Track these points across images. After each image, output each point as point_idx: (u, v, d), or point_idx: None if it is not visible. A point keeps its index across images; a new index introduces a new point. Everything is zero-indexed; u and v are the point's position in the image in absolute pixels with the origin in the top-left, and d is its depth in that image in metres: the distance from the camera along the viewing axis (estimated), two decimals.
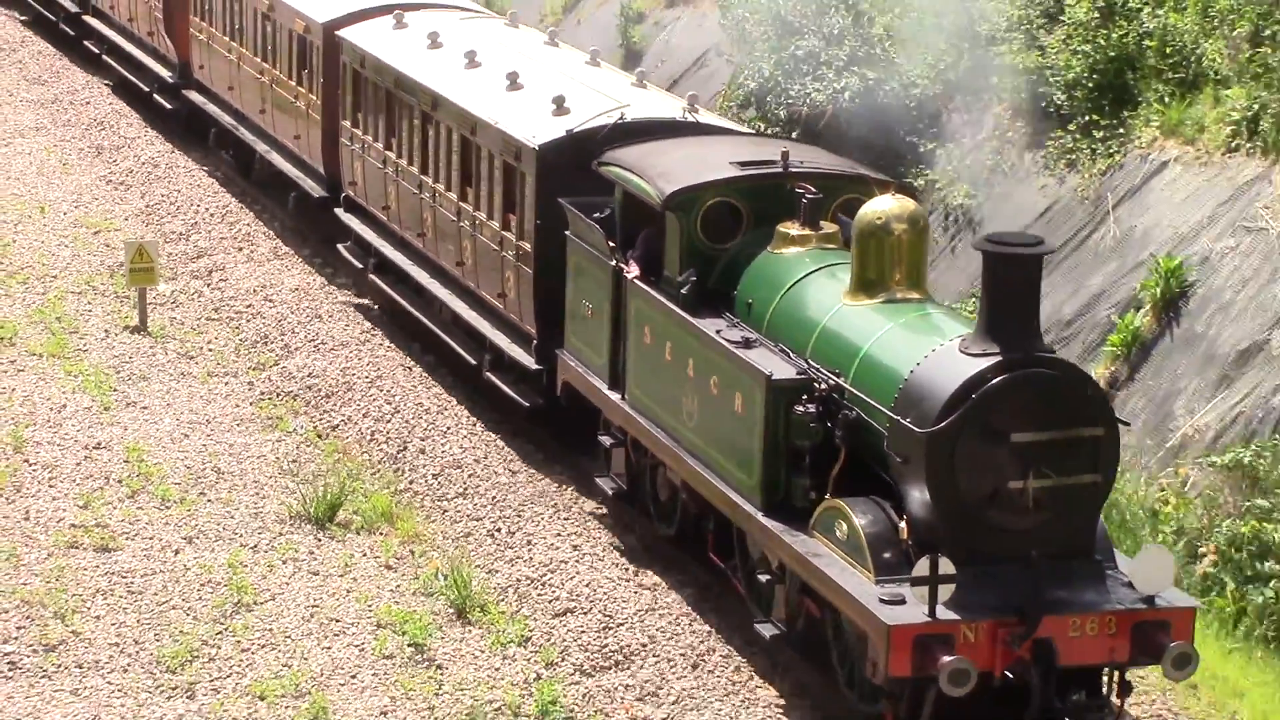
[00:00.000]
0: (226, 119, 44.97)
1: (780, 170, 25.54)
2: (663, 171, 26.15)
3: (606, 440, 28.02)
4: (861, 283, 23.03)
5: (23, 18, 61.11)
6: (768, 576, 22.96)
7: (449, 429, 32.63)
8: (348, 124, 37.52)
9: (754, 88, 39.21)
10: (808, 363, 22.85)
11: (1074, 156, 33.88)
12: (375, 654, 25.24)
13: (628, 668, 25.15)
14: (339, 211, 38.10)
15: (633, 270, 26.31)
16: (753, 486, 23.01)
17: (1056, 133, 34.30)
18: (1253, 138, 31.05)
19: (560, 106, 30.15)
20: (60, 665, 24.56)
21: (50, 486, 29.83)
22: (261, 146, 42.86)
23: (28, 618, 25.64)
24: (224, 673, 24.64)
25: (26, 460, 30.67)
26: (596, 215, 27.51)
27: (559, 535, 28.74)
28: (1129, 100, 33.53)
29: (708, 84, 43.12)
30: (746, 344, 23.54)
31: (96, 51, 55.08)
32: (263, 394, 34.29)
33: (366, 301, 37.19)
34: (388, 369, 35.22)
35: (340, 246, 38.21)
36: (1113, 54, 33.53)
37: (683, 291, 24.88)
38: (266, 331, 37.00)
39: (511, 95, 31.66)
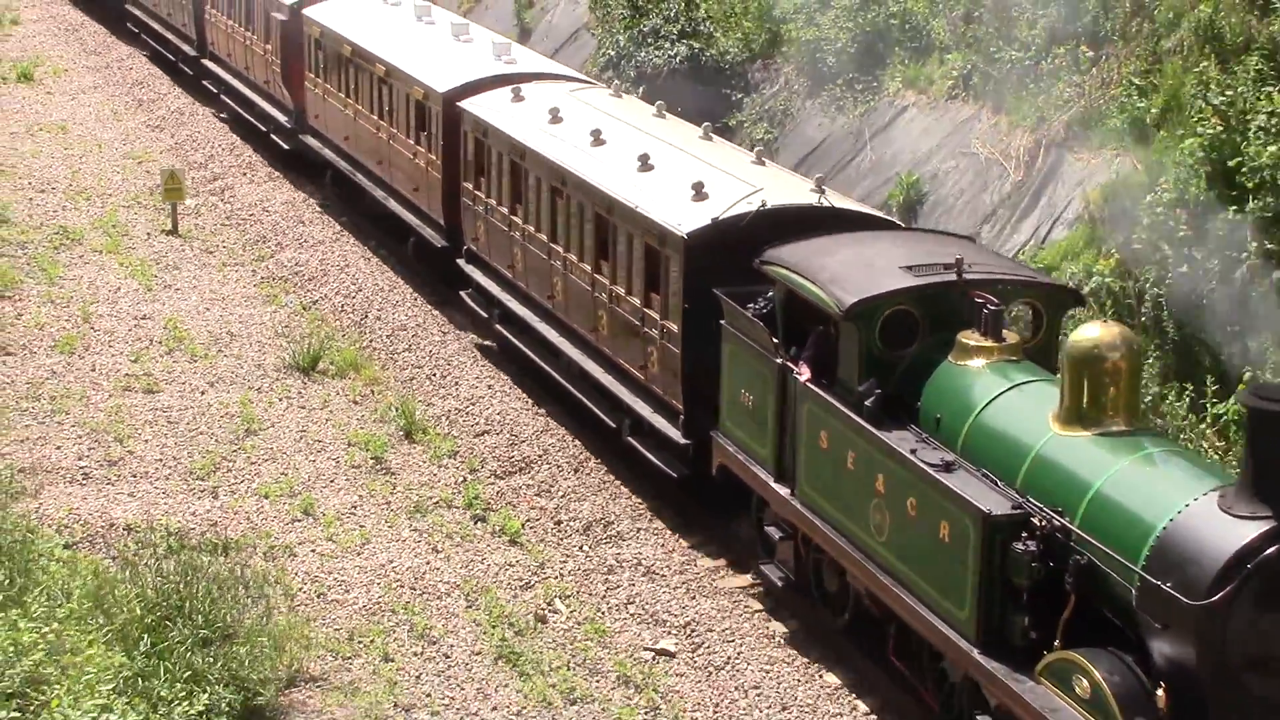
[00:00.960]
0: (343, 164, 39.14)
1: (955, 278, 20.22)
2: (834, 277, 20.80)
3: (774, 533, 22.37)
4: (1074, 412, 17.89)
5: (144, 53, 55.96)
6: (986, 718, 17.71)
7: (397, 303, 33.41)
8: (469, 185, 31.91)
9: (613, 55, 38.31)
10: (1022, 496, 17.67)
11: (841, 103, 33.89)
12: (347, 464, 26.21)
13: (529, 472, 26.30)
14: (461, 263, 32.50)
15: (804, 373, 21.02)
16: (965, 620, 17.82)
17: (829, 86, 34.36)
18: (966, 90, 31.45)
19: (699, 192, 24.95)
20: (120, 475, 25.44)
21: (110, 346, 30.50)
22: (379, 193, 37.01)
23: (95, 441, 26.49)
24: (238, 479, 25.63)
25: (92, 328, 31.28)
26: (753, 308, 22.49)
27: (478, 378, 29.81)
28: (880, 61, 33.59)
29: (579, 53, 42.07)
30: (946, 467, 18.29)
31: (214, 91, 48.40)
32: (263, 278, 34.89)
33: (489, 343, 32.33)
34: (353, 260, 35.69)
35: (463, 294, 32.48)
36: (869, 30, 33.64)
37: (867, 404, 19.66)
38: (264, 233, 37.42)
39: (645, 177, 26.53)
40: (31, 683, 14.65)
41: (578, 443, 27.38)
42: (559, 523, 24.88)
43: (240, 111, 45.79)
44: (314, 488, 25.47)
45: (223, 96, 47.54)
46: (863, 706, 20.74)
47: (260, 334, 31.60)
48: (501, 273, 30.86)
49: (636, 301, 25.61)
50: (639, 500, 25.61)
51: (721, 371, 23.23)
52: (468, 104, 32.06)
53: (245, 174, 41.38)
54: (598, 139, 28.43)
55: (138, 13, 57.06)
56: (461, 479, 26.01)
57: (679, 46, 36.73)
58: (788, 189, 25.66)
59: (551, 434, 27.67)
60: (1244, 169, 24.91)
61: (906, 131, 32.38)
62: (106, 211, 38.08)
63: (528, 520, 24.85)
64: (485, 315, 31.67)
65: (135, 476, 25.55)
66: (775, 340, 21.84)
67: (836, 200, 25.41)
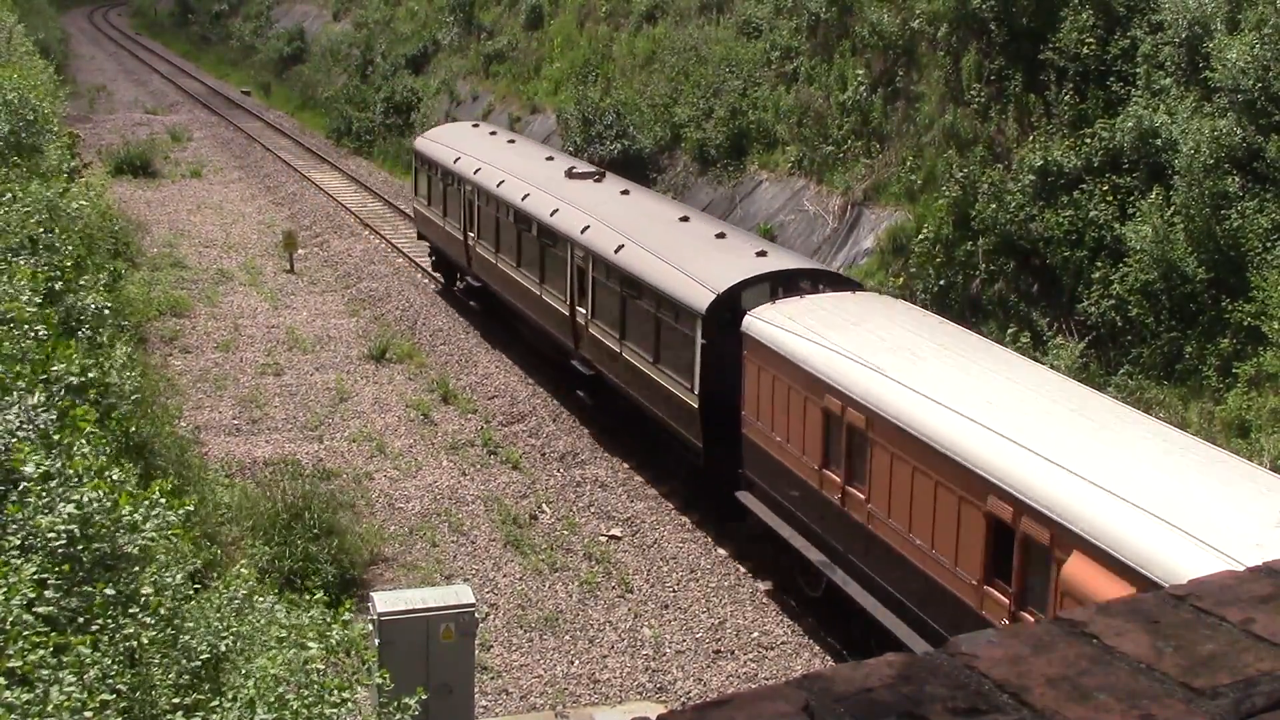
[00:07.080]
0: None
1: None
2: None
3: None
4: None
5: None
6: None
7: (436, 314, 32.78)
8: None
9: (572, 149, 36.95)
10: None
11: (720, 179, 33.64)
12: (405, 419, 25.99)
13: (523, 422, 26.09)
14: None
15: None
16: None
17: (712, 168, 34.09)
18: (800, 169, 31.31)
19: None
20: (259, 430, 25.35)
21: (252, 345, 30.27)
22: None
23: (243, 407, 26.41)
24: (336, 431, 25.47)
25: (240, 334, 31.05)
26: None
27: (489, 362, 29.35)
28: (744, 151, 33.36)
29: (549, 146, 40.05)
30: None
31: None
32: (349, 300, 34.21)
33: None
34: (410, 288, 34.91)
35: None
36: (736, 132, 33.48)
37: None
38: (349, 271, 36.69)
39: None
40: (207, 565, 14.67)
41: (555, 401, 27.05)
42: (544, 454, 24.70)
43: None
44: (384, 435, 25.30)
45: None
46: (743, 568, 20.76)
47: (347, 335, 31.22)
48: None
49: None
50: (594, 439, 25.37)
51: None
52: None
53: (337, 232, 40.85)
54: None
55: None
56: (479, 427, 25.82)
57: (615, 144, 36.40)
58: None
59: (538, 397, 27.44)
60: (975, 218, 25.24)
61: (762, 196, 32.21)
62: (247, 258, 37.79)
63: (523, 453, 24.68)
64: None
65: (269, 429, 25.44)
66: None
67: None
